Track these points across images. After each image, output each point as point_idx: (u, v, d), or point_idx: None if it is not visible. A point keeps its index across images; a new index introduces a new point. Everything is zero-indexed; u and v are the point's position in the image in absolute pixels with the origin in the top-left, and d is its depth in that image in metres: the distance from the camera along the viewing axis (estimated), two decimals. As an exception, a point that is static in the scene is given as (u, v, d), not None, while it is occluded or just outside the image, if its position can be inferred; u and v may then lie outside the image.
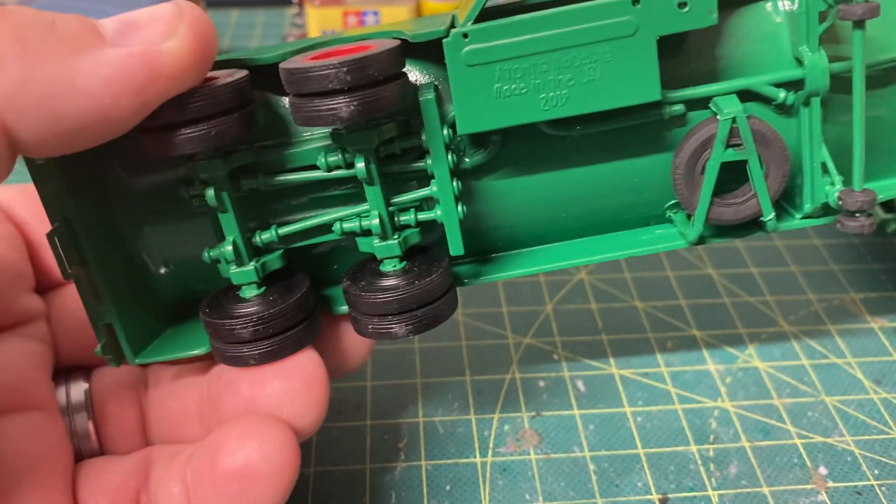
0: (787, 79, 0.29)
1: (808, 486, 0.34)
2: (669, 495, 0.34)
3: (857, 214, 0.29)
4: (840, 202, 0.29)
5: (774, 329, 0.42)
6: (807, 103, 0.29)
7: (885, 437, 0.36)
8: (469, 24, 0.26)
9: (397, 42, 0.26)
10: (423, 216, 0.29)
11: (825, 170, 0.29)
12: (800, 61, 0.28)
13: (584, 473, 0.35)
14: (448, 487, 0.34)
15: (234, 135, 0.25)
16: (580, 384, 0.39)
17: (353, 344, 0.31)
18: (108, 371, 0.32)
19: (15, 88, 0.21)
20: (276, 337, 0.28)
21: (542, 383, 0.39)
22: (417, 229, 0.29)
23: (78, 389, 0.31)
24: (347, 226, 0.28)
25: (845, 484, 0.34)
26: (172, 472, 0.28)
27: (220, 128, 0.25)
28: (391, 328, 0.28)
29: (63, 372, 0.31)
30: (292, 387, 0.27)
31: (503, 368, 0.40)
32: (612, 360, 0.40)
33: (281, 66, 0.25)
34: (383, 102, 0.25)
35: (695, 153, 0.28)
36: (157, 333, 0.30)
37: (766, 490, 0.34)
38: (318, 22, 0.61)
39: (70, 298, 0.32)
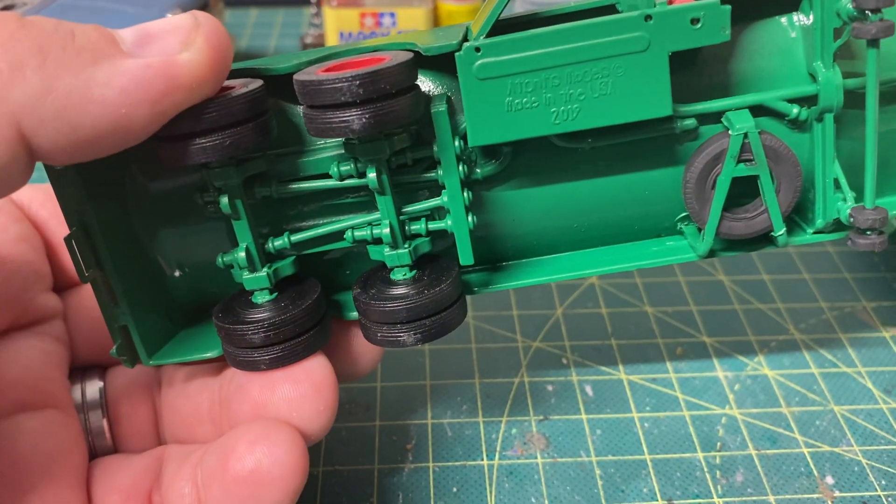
0: (801, 94, 0.29)
1: (815, 496, 0.34)
2: (675, 501, 0.34)
3: (869, 232, 0.29)
4: (851, 219, 0.29)
5: (785, 337, 0.42)
6: (820, 119, 0.29)
7: (894, 447, 0.36)
8: (482, 37, 0.26)
9: (410, 55, 0.26)
10: (433, 226, 0.29)
11: (837, 186, 0.29)
12: (814, 77, 0.28)
13: (590, 478, 0.35)
14: (455, 489, 0.35)
15: (248, 144, 0.25)
16: (588, 389, 0.39)
17: (364, 349, 0.31)
18: (122, 370, 0.32)
19: (34, 98, 0.21)
20: (287, 342, 0.28)
21: (550, 387, 0.40)
22: (428, 238, 0.29)
23: (93, 388, 0.31)
24: (359, 234, 0.29)
25: (852, 494, 0.34)
26: (184, 473, 0.28)
27: (234, 138, 0.25)
28: (399, 336, 0.28)
29: (79, 370, 0.32)
30: (302, 392, 0.28)
31: (512, 372, 0.40)
32: (621, 365, 0.41)
33: (295, 77, 0.26)
34: (395, 115, 0.25)
35: (706, 168, 0.28)
36: (171, 335, 0.31)
37: (771, 498, 0.34)
38: (335, 23, 0.62)
39: (87, 298, 0.32)
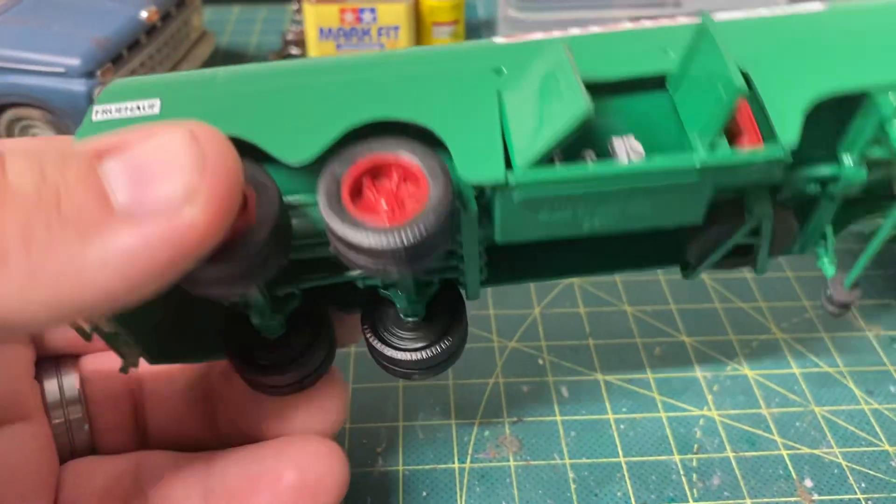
0: (822, 176, 0.28)
1: (793, 499, 0.33)
2: (649, 506, 0.33)
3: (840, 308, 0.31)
4: (829, 291, 0.30)
5: (766, 336, 0.41)
6: (831, 197, 0.29)
7: (875, 449, 0.35)
8: (528, 167, 0.24)
9: (450, 195, 0.23)
10: (446, 275, 0.29)
11: (823, 237, 0.30)
12: (837, 159, 0.28)
13: (563, 481, 0.34)
14: (425, 493, 0.34)
15: (271, 269, 0.24)
16: (564, 390, 0.39)
17: (351, 330, 0.32)
18: (97, 357, 0.31)
19: (19, 288, 0.18)
20: (304, 379, 0.30)
21: (525, 388, 0.39)
22: (438, 282, 0.30)
23: (70, 381, 0.31)
24: (370, 282, 0.29)
25: (831, 497, 0.33)
26: (189, 482, 0.29)
27: (256, 273, 0.23)
28: (410, 375, 0.30)
29: (52, 361, 0.31)
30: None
31: (487, 373, 0.40)
32: (597, 366, 0.40)
33: (327, 222, 0.23)
34: (433, 259, 0.24)
35: (714, 239, 0.29)
36: (172, 328, 0.31)
37: (748, 502, 0.33)
38: (315, 18, 0.61)
39: None
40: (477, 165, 0.24)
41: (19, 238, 0.18)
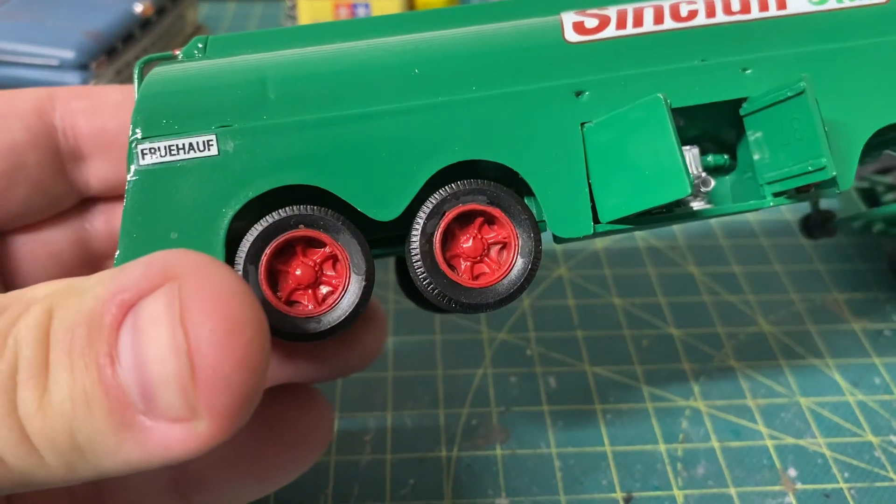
0: None
1: (776, 488, 0.33)
2: (634, 494, 0.33)
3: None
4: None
5: (753, 328, 0.42)
6: None
7: (858, 439, 0.36)
8: (609, 221, 0.25)
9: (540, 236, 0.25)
10: None
11: None
12: None
13: (549, 470, 0.34)
14: (412, 481, 0.34)
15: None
16: (552, 380, 0.39)
17: None
18: None
19: (91, 479, 0.21)
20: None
21: (513, 379, 0.39)
22: None
23: None
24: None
25: (814, 486, 0.34)
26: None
27: (348, 326, 0.24)
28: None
29: None
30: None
31: (476, 363, 0.40)
32: (585, 357, 0.40)
33: (425, 283, 0.24)
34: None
35: None
36: None
37: (732, 491, 0.33)
38: (309, 14, 0.61)
39: None
40: (566, 222, 0.25)
41: (71, 448, 0.20)
